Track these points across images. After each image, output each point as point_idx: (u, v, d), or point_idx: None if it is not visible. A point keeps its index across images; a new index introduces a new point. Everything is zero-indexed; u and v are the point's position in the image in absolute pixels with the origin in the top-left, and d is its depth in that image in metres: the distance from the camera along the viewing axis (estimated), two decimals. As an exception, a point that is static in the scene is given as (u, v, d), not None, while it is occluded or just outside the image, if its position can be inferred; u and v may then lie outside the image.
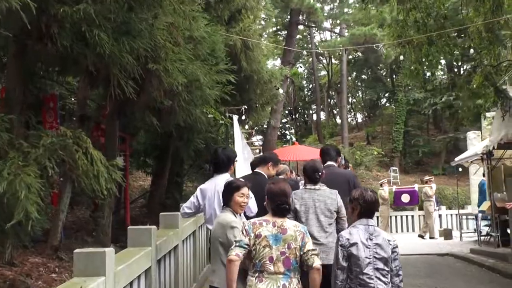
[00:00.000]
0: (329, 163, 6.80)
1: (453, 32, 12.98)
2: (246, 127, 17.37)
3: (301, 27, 36.81)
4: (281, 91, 19.07)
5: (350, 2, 37.59)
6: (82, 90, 9.05)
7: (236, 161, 6.55)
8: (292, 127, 50.72)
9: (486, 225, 15.20)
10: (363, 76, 47.85)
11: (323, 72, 49.68)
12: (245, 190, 5.05)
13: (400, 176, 30.65)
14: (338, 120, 54.64)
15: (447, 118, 41.18)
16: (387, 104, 46.81)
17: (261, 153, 21.07)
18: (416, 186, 19.93)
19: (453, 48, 13.17)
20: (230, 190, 5.04)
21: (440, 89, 39.37)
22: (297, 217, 5.65)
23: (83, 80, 8.53)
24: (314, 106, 55.19)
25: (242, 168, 13.19)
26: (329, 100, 50.91)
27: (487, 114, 18.80)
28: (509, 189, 14.61)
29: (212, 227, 5.23)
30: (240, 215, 5.08)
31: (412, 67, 13.11)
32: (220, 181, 5.73)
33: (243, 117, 15.06)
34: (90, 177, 6.49)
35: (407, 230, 22.39)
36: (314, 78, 42.23)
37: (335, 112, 56.58)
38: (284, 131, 46.50)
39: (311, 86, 50.01)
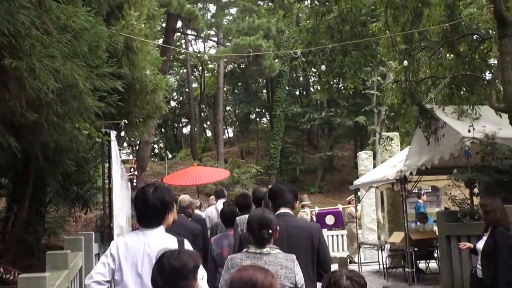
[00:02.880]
0: (282, 210, 4.69)
1: (372, 42, 11.51)
2: (125, 144, 14.92)
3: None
4: (173, 103, 16.86)
5: (231, 11, 36.14)
6: None
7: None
8: (161, 141, 48.37)
9: (388, 256, 13.98)
10: (236, 91, 46.72)
11: (194, 85, 47.88)
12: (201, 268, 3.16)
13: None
14: (209, 134, 53.28)
15: (323, 136, 41.06)
16: (263, 119, 46.07)
17: (135, 172, 18.73)
18: (340, 207, 18.30)
19: (370, 59, 11.71)
20: (189, 274, 2.99)
21: (316, 104, 39.19)
22: None
23: None
24: (184, 119, 53.36)
25: (119, 197, 11.09)
26: (201, 113, 49.21)
27: (384, 134, 17.91)
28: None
29: None
30: None
31: (323, 79, 11.48)
32: (153, 240, 3.81)
33: (122, 133, 12.63)
34: None
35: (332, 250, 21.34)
36: (189, 90, 40.13)
37: (205, 126, 55.13)
38: (153, 145, 43.99)
39: (181, 98, 48.02)
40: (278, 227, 4.09)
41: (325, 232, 20.92)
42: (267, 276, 2.79)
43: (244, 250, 4.07)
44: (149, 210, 3.90)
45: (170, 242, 3.77)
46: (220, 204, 9.86)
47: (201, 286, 3.31)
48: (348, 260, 17.55)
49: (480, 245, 6.86)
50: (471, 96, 11.02)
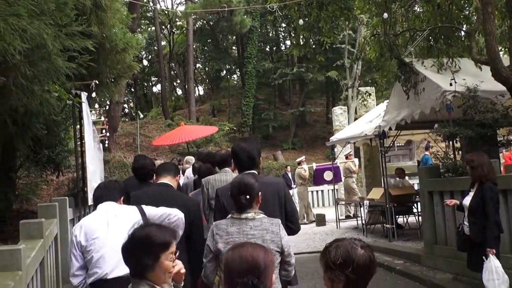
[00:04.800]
0: (249, 171, 4.65)
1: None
2: (96, 106, 14.47)
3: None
4: (145, 62, 16.33)
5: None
6: None
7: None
8: (131, 101, 47.58)
9: (369, 211, 13.93)
10: (206, 48, 45.96)
11: (163, 43, 46.95)
12: (174, 245, 2.97)
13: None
14: (180, 92, 52.64)
15: (295, 91, 40.84)
16: (234, 76, 45.55)
17: (107, 133, 18.28)
18: (337, 162, 18.04)
19: (346, 13, 11.36)
20: (151, 251, 2.87)
21: (287, 60, 38.81)
22: (218, 261, 3.90)
23: None
24: (153, 78, 52.52)
25: (92, 160, 10.93)
26: (171, 72, 48.45)
27: (361, 89, 17.76)
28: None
29: None
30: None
31: (300, 34, 11.12)
32: (114, 211, 4.24)
33: (93, 95, 12.21)
34: None
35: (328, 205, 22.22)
36: (158, 48, 39.19)
37: (175, 84, 54.41)
38: (123, 105, 43.30)
39: (150, 57, 47.08)
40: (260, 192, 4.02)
41: (323, 187, 21.18)
42: (267, 253, 2.60)
43: (229, 216, 4.02)
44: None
45: (127, 208, 4.25)
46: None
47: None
48: (346, 215, 17.60)
49: (466, 201, 6.75)
50: (450, 48, 10.79)
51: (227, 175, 6.26)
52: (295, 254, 4.30)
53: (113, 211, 4.23)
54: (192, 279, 4.77)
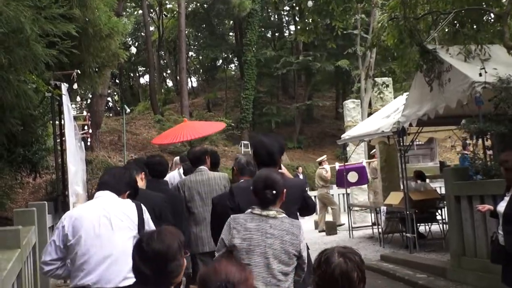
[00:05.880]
0: (267, 168, 4.85)
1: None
2: (78, 99, 14.45)
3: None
4: (133, 49, 16.29)
5: None
6: None
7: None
8: (116, 94, 47.66)
9: (387, 219, 13.89)
10: (199, 34, 46.00)
11: (152, 28, 46.97)
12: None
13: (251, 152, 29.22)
14: (171, 84, 52.68)
15: (300, 83, 40.81)
16: (232, 66, 45.56)
17: (89, 129, 18.24)
18: (364, 161, 17.87)
19: (361, -5, 11.34)
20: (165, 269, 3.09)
21: (291, 47, 38.75)
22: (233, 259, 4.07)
23: None
24: (141, 68, 52.59)
25: (73, 160, 10.84)
26: (160, 61, 48.47)
27: (377, 80, 17.71)
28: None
29: None
30: None
31: (309, 18, 11.09)
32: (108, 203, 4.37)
33: (75, 86, 12.17)
34: None
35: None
36: (146, 34, 39.18)
37: (165, 75, 54.48)
38: (107, 98, 43.39)
39: (137, 44, 47.11)
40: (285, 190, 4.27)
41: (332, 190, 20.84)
42: (242, 271, 2.71)
43: (249, 211, 4.26)
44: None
45: (126, 204, 4.37)
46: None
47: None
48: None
49: (501, 207, 6.68)
50: (478, 33, 10.72)
51: (202, 175, 6.63)
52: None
53: (110, 207, 4.32)
54: None
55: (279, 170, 5.11)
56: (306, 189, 5.34)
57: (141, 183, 5.58)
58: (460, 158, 15.05)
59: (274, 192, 4.17)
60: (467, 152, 14.51)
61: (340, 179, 17.65)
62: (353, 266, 2.77)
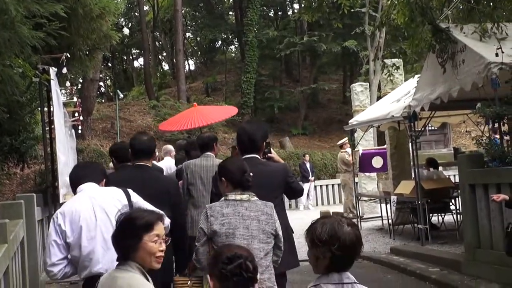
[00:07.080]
0: (250, 155, 5.38)
1: None
2: (67, 84, 14.48)
3: None
4: (126, 31, 16.28)
5: None
6: None
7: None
8: (108, 78, 47.66)
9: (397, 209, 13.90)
10: (197, 14, 45.98)
11: (146, 8, 46.97)
12: (160, 227, 3.58)
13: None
14: (167, 68, 52.70)
15: (305, 65, 40.75)
16: (232, 47, 45.51)
17: (80, 116, 18.28)
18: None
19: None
20: (133, 231, 3.49)
21: (295, 27, 38.65)
22: (213, 244, 4.55)
23: None
24: (134, 51, 52.57)
25: (63, 149, 11.02)
26: (155, 43, 48.42)
27: (387, 61, 17.68)
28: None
29: None
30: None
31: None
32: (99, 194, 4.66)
33: (64, 70, 12.22)
34: None
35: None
36: (140, 14, 39.08)
37: (161, 58, 54.49)
38: (98, 83, 43.43)
39: (130, 25, 47.07)
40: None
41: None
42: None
43: (222, 198, 4.66)
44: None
45: (113, 191, 4.68)
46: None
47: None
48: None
49: (518, 196, 6.72)
50: (495, 11, 10.70)
51: (208, 161, 7.10)
52: (301, 261, 5.10)
53: (98, 195, 4.61)
54: (178, 264, 5.71)
55: (269, 154, 5.56)
56: (291, 174, 5.74)
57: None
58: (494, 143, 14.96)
59: (250, 175, 4.65)
60: (498, 136, 14.45)
61: (364, 164, 17.46)
62: (357, 229, 3.12)
